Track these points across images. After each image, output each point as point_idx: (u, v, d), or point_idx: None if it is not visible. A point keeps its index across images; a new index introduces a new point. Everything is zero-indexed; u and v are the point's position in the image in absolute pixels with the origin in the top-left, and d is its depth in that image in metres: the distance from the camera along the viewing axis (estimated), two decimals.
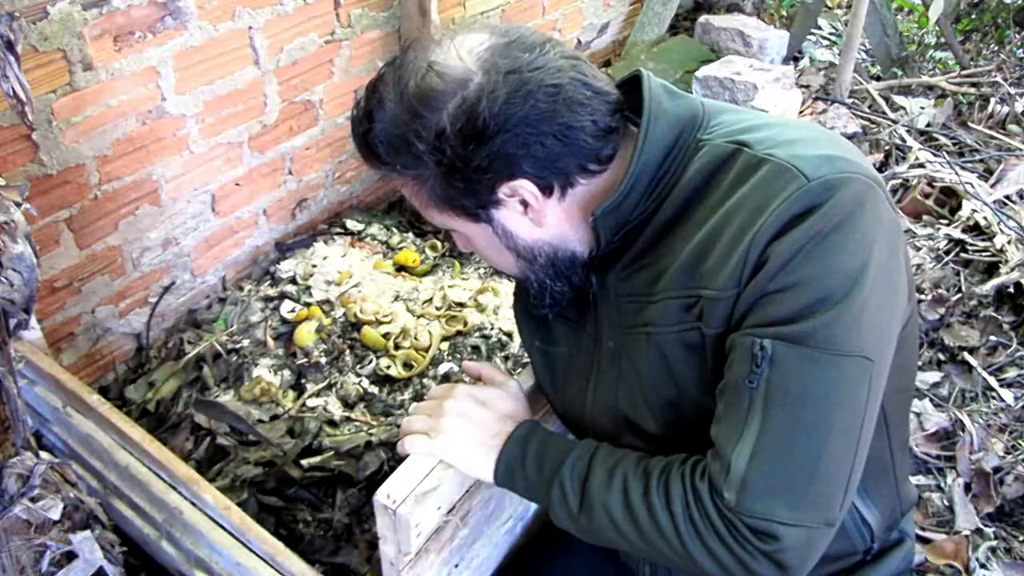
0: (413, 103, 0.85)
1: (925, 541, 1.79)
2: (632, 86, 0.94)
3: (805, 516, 0.80)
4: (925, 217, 2.69)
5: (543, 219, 0.92)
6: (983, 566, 1.74)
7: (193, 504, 1.31)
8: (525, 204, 0.90)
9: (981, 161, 2.97)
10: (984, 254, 2.46)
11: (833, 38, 4.03)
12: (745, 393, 0.81)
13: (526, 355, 1.90)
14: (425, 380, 1.84)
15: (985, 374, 2.16)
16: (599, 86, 0.89)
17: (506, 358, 1.90)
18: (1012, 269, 2.35)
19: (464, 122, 0.83)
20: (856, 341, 0.79)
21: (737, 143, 0.87)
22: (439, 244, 2.30)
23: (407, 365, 1.86)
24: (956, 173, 2.75)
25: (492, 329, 1.94)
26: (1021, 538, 1.81)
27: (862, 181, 0.82)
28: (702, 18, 3.42)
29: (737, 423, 0.82)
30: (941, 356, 2.23)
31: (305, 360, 1.86)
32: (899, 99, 3.35)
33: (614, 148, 0.91)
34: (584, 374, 1.03)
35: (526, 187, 0.88)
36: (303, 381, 1.85)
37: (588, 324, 1.02)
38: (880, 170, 2.86)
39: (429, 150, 0.85)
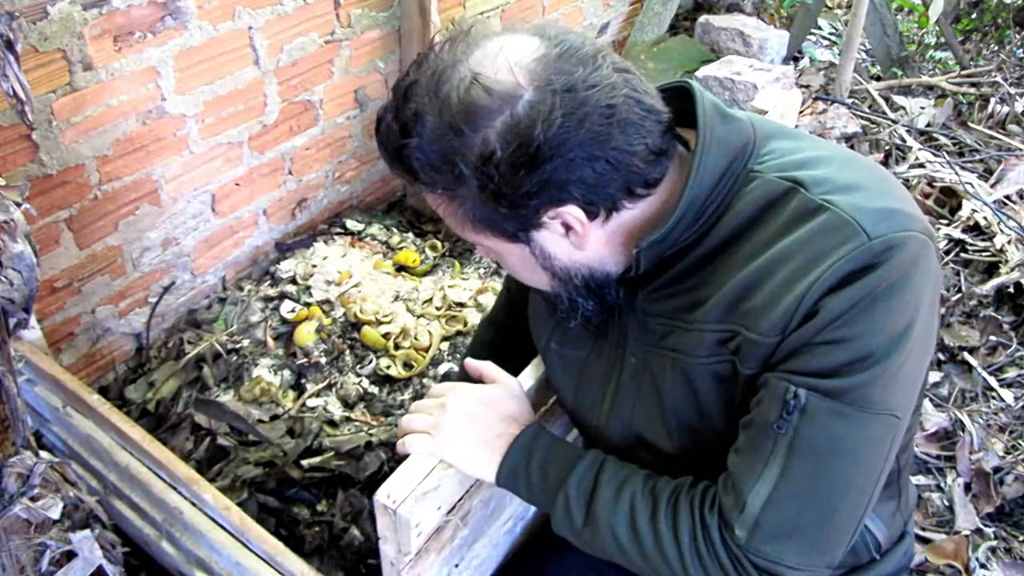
0: (456, 119, 0.78)
1: (925, 541, 1.79)
2: (674, 94, 0.90)
3: (812, 561, 0.82)
4: (925, 217, 2.69)
5: (584, 243, 0.87)
6: (983, 566, 1.74)
7: (193, 504, 1.31)
8: (567, 227, 0.86)
9: (981, 161, 2.97)
10: (984, 254, 2.46)
11: (833, 38, 4.03)
12: (771, 435, 0.81)
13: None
14: (425, 380, 1.84)
15: (985, 374, 2.16)
16: (650, 103, 0.83)
17: None
18: (1012, 269, 2.35)
19: (516, 146, 0.77)
20: (889, 400, 0.80)
21: (792, 181, 0.83)
22: (439, 244, 2.30)
23: (407, 365, 1.86)
24: (956, 173, 2.75)
25: None
26: (1021, 538, 1.81)
27: (919, 239, 0.80)
28: (702, 18, 3.42)
29: (757, 462, 0.82)
30: (941, 356, 2.23)
31: (305, 360, 1.86)
32: (899, 99, 3.35)
33: (662, 172, 0.86)
34: (602, 383, 1.02)
35: (572, 212, 0.83)
36: (303, 381, 1.85)
37: (611, 334, 1.00)
38: None
39: (474, 173, 0.79)
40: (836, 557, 0.84)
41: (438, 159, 0.80)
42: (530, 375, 1.14)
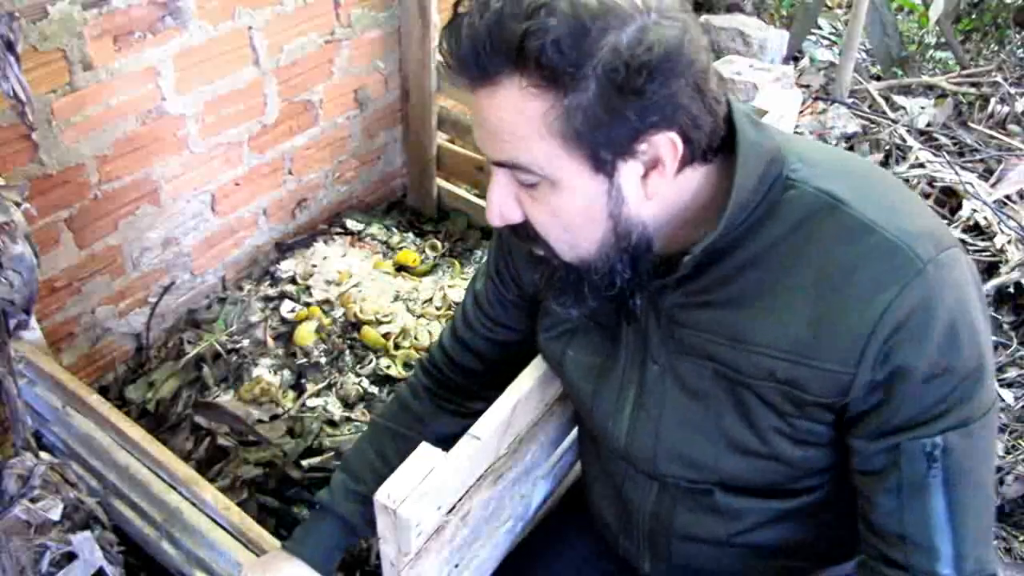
0: (598, 11, 0.74)
1: None
2: None
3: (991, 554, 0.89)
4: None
5: (658, 190, 0.82)
6: None
7: (193, 504, 1.30)
8: (649, 168, 0.81)
9: (981, 161, 2.97)
10: (984, 254, 2.46)
11: (833, 38, 4.03)
12: (926, 485, 0.84)
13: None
14: None
15: None
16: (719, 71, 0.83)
17: None
18: (1012, 269, 2.35)
19: (664, 52, 0.74)
20: (993, 392, 0.85)
21: (831, 197, 0.83)
22: (439, 244, 2.30)
23: (407, 365, 1.86)
24: (956, 173, 2.75)
25: None
26: (1021, 538, 1.81)
27: (958, 252, 0.83)
28: (702, 18, 3.42)
29: (925, 512, 0.84)
30: None
31: (305, 360, 1.86)
32: (899, 99, 3.35)
33: (719, 143, 0.84)
34: (622, 390, 1.00)
35: (675, 140, 0.78)
36: (303, 381, 1.85)
37: (627, 339, 0.98)
38: None
39: (611, 66, 0.74)
40: None
41: (571, 47, 0.74)
42: (530, 375, 1.14)
